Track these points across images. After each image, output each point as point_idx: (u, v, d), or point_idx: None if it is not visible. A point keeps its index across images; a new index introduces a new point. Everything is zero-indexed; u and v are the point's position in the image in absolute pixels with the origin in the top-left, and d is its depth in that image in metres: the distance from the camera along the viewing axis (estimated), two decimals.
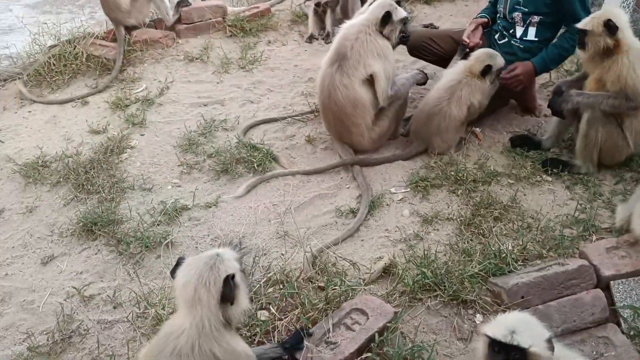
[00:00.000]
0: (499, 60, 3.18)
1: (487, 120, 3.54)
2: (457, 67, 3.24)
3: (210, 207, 2.98)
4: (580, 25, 2.84)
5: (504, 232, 2.68)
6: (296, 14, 5.11)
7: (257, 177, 3.12)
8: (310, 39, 4.77)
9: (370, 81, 3.13)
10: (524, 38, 3.34)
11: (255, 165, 3.19)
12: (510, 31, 3.38)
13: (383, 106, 3.21)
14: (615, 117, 2.85)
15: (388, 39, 3.19)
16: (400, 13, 3.20)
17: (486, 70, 3.13)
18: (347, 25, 3.23)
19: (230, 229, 2.82)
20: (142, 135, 3.61)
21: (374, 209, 2.89)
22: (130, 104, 3.94)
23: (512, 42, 3.38)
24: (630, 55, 2.75)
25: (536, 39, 3.32)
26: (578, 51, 2.96)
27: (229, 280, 1.67)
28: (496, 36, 3.49)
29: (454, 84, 3.16)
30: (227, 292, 1.67)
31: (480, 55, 3.18)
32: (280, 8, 5.24)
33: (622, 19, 2.79)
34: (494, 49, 3.39)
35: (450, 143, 3.21)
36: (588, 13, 3.05)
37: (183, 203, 2.99)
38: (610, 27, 2.72)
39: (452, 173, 3.04)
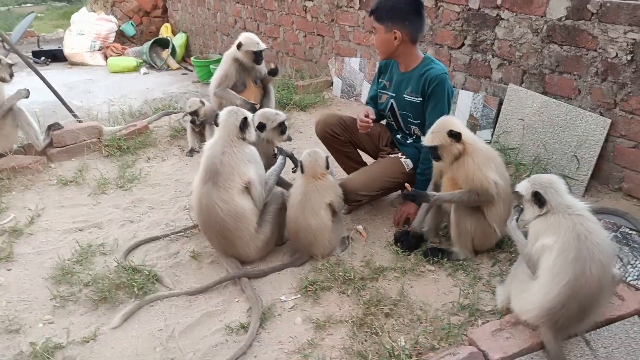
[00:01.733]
0: (321, 154, 3.25)
1: (366, 217, 3.66)
2: (296, 180, 3.31)
3: (87, 342, 2.73)
4: (427, 143, 3.05)
5: (396, 328, 2.69)
6: (175, 129, 5.14)
7: (136, 303, 2.94)
8: (191, 152, 4.78)
9: (248, 189, 3.16)
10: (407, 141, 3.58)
11: (136, 289, 3.02)
12: (413, 137, 3.58)
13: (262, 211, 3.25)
14: (479, 207, 3.05)
15: (250, 142, 3.28)
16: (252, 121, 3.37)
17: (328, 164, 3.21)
18: (208, 144, 3.28)
19: None
20: (9, 270, 3.31)
21: (266, 320, 2.80)
22: None
23: (419, 144, 3.47)
24: (475, 156, 2.99)
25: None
26: (435, 163, 3.17)
27: None
28: (398, 136, 3.66)
29: (302, 197, 3.18)
30: None
31: (309, 159, 3.23)
32: (159, 124, 5.26)
33: (458, 124, 3.05)
34: (400, 147, 3.60)
35: (331, 246, 3.24)
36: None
37: (56, 341, 2.72)
38: (454, 135, 2.97)
39: (340, 273, 3.05)
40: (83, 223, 3.77)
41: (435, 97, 3.35)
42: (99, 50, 10.49)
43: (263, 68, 5.05)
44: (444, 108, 3.33)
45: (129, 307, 2.92)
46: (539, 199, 2.49)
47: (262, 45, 4.81)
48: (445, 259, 3.15)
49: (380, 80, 3.65)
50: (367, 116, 3.43)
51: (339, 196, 3.25)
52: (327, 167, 3.21)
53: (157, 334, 2.76)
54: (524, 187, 2.60)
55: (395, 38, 3.32)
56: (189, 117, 4.91)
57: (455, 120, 3.12)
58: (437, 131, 3.03)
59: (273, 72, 4.99)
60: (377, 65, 3.71)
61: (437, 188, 3.25)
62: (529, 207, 2.57)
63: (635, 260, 2.98)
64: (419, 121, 3.47)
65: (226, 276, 3.11)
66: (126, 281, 3.08)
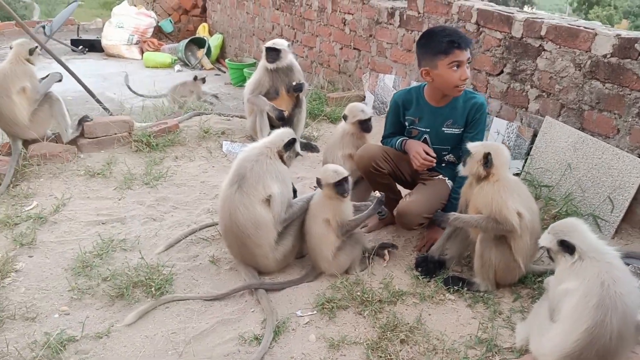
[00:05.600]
0: (340, 171, 3.17)
1: (389, 237, 3.62)
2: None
3: (101, 337, 2.73)
4: (469, 146, 3.06)
5: (411, 356, 2.63)
6: (204, 129, 5.16)
7: (151, 302, 2.94)
8: None
9: (270, 202, 3.15)
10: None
11: (153, 289, 3.02)
12: (446, 163, 3.55)
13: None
14: (505, 239, 2.99)
15: (285, 163, 3.29)
16: (298, 145, 3.37)
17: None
18: (248, 147, 3.29)
19: None
20: (31, 257, 3.34)
21: (279, 334, 2.77)
22: (21, 222, 3.67)
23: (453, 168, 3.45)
24: (497, 183, 2.95)
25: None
26: (460, 167, 3.15)
27: None
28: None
29: (311, 208, 3.24)
30: None
31: (323, 176, 3.18)
32: (189, 124, 5.28)
33: (502, 156, 2.99)
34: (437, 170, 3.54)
35: (338, 264, 3.19)
36: None
37: (70, 334, 2.73)
38: (487, 161, 2.95)
39: (359, 293, 3.01)
40: (107, 216, 3.79)
41: (478, 125, 3.37)
42: (136, 44, 10.64)
43: (300, 77, 5.05)
44: (483, 135, 3.37)
45: (144, 305, 2.92)
46: (567, 246, 2.40)
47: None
48: (466, 289, 3.09)
49: (407, 117, 3.53)
50: (427, 153, 3.37)
51: (340, 220, 3.15)
52: (339, 193, 3.13)
53: (170, 336, 2.75)
54: (546, 239, 2.50)
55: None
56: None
57: (504, 150, 3.06)
58: (484, 145, 3.05)
59: (298, 88, 4.97)
60: (395, 102, 3.56)
61: None
62: (559, 258, 2.46)
63: None
64: (454, 151, 3.45)
65: (243, 285, 3.09)
66: (144, 280, 3.09)
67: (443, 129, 3.42)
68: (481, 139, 3.34)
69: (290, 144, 3.25)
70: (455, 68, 3.24)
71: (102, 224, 3.72)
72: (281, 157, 3.25)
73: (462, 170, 3.14)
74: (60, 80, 4.56)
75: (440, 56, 3.23)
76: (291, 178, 3.38)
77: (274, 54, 4.81)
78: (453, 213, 3.13)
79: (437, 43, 3.23)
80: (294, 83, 4.94)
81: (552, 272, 2.63)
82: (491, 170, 2.97)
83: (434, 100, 3.43)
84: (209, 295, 3.05)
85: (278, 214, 3.15)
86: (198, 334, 2.77)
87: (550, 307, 2.47)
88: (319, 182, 3.19)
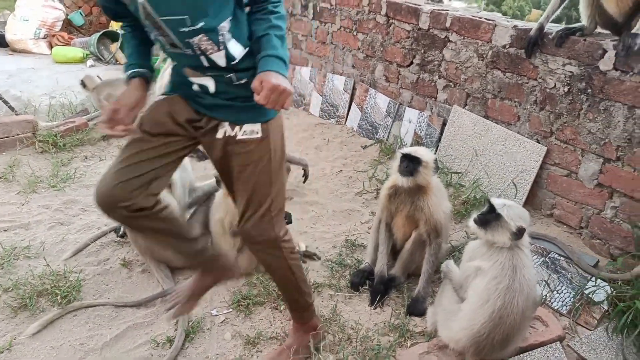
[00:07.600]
0: None
1: (307, 230, 3.63)
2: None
3: (1, 352, 2.58)
4: (420, 156, 2.85)
5: (326, 347, 2.67)
6: None
7: (56, 311, 2.81)
8: None
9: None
10: (234, 61, 1.94)
11: (59, 297, 2.89)
12: (206, 66, 1.95)
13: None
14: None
15: None
16: None
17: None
18: None
19: None
20: None
21: (194, 334, 2.73)
22: None
23: (226, 80, 1.98)
24: (434, 193, 2.96)
25: (244, 46, 1.96)
26: (401, 179, 2.87)
27: None
28: (193, 88, 2.02)
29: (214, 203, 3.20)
30: None
31: None
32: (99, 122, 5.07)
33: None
34: (214, 101, 2.01)
35: (242, 264, 3.07)
36: None
37: None
38: (436, 167, 2.95)
39: (274, 289, 3.00)
40: (9, 223, 3.58)
41: None
42: (44, 38, 10.06)
43: None
44: None
45: (48, 315, 2.79)
46: (520, 235, 2.40)
47: None
48: (394, 291, 3.09)
49: None
50: (112, 118, 1.87)
51: (232, 220, 3.00)
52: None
53: (78, 345, 2.65)
54: (510, 213, 2.42)
55: None
56: None
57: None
58: (427, 152, 2.94)
59: None
60: None
61: (389, 229, 3.10)
62: (502, 232, 2.41)
63: (562, 286, 3.07)
64: (202, 23, 1.83)
65: (160, 293, 3.00)
66: (49, 288, 2.95)
67: None
68: None
69: None
70: None
71: (4, 231, 3.51)
72: None
73: (404, 182, 2.87)
74: None
75: None
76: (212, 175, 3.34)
77: None
78: (424, 290, 2.94)
79: None
80: None
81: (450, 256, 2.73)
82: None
83: None
84: (120, 302, 2.95)
85: (180, 197, 3.15)
86: (108, 340, 2.68)
87: (458, 282, 2.57)
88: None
